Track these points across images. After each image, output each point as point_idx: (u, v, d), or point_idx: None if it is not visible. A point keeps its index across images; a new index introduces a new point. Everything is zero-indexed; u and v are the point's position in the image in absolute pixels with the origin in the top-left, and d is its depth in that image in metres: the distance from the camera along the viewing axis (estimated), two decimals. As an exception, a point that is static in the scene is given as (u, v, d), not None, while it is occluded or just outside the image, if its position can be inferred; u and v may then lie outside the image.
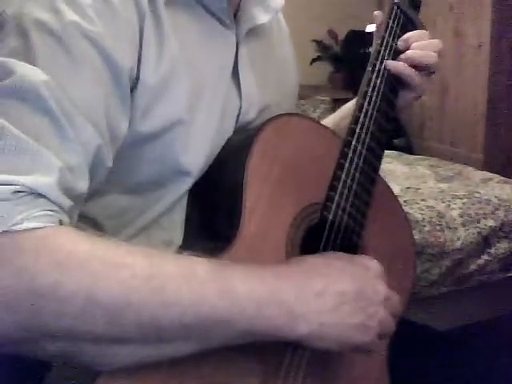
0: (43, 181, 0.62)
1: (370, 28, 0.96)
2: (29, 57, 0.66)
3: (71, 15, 0.68)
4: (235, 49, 0.86)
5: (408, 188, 2.31)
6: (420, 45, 0.90)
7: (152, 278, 0.63)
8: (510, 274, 2.14)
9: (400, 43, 0.91)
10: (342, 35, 3.98)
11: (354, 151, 0.83)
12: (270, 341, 0.68)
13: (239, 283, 0.66)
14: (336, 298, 0.69)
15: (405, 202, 2.10)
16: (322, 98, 3.64)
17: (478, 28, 3.46)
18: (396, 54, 0.90)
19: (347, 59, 3.85)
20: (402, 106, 0.95)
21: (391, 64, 0.89)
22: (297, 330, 0.67)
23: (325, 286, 0.69)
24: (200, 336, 0.65)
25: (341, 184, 0.81)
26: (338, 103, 3.62)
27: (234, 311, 0.65)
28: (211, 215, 0.83)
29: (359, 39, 3.53)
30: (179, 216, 0.82)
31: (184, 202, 0.82)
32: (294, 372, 0.76)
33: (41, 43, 0.67)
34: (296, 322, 0.67)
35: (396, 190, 2.22)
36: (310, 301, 0.68)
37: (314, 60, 3.93)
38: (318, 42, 4.00)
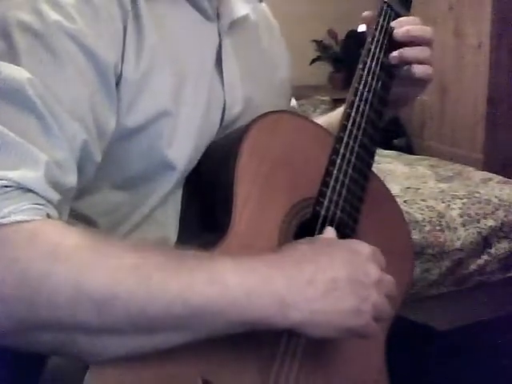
0: (30, 175, 0.63)
1: (362, 28, 0.96)
2: (13, 57, 0.68)
3: (53, 15, 0.70)
4: (218, 40, 0.87)
5: (408, 188, 2.31)
6: (412, 29, 0.89)
7: (138, 268, 0.63)
8: (509, 274, 2.14)
9: (394, 24, 0.89)
10: (342, 35, 3.98)
11: (346, 147, 0.83)
12: (263, 330, 0.68)
13: (229, 273, 0.66)
14: (327, 284, 0.69)
15: (405, 201, 2.10)
16: (322, 98, 3.64)
17: (478, 28, 3.45)
18: (387, 49, 0.90)
19: (347, 59, 3.84)
20: (402, 102, 0.96)
21: (394, 55, 0.89)
22: (289, 318, 0.68)
23: (315, 273, 0.69)
24: (191, 326, 0.65)
25: (333, 180, 0.82)
26: (337, 103, 3.61)
27: (223, 301, 0.65)
28: (205, 213, 0.83)
29: (359, 39, 3.52)
30: (173, 210, 0.82)
31: (177, 196, 0.82)
32: (290, 360, 0.76)
33: (24, 43, 0.68)
34: (288, 310, 0.67)
35: (396, 190, 2.22)
36: (301, 289, 0.68)
37: (314, 60, 3.93)
38: (318, 42, 3.99)
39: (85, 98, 0.70)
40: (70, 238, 0.63)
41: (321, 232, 0.81)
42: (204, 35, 0.85)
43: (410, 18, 0.91)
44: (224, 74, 0.86)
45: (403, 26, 0.90)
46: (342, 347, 0.81)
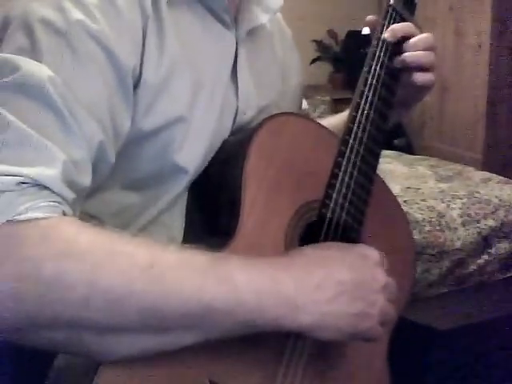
0: (47, 173, 0.63)
1: (366, 30, 0.96)
2: (34, 54, 0.68)
3: (77, 14, 0.70)
4: (235, 49, 0.87)
5: (408, 188, 2.31)
6: (414, 41, 0.90)
7: (152, 267, 0.63)
8: (510, 274, 2.14)
9: (387, 35, 0.90)
10: (342, 35, 3.98)
11: (352, 150, 0.84)
12: (271, 332, 0.69)
13: (238, 274, 0.67)
14: (335, 288, 0.70)
15: (405, 201, 2.09)
16: (322, 98, 3.64)
17: (477, 28, 3.45)
18: (392, 53, 0.90)
19: (347, 59, 3.84)
20: (405, 106, 0.97)
21: (399, 59, 0.89)
22: (298, 320, 0.68)
23: (324, 277, 0.70)
24: (200, 326, 0.66)
25: (338, 182, 0.82)
26: (337, 103, 3.62)
27: (233, 302, 0.65)
28: (211, 214, 0.83)
29: (359, 39, 3.52)
30: (180, 213, 0.83)
31: (184, 198, 0.83)
32: (295, 364, 0.76)
33: (46, 41, 0.68)
34: (297, 312, 0.68)
35: (396, 190, 2.21)
36: (310, 292, 0.69)
37: (314, 60, 3.93)
38: (318, 42, 3.99)
39: (104, 99, 0.70)
40: (84, 235, 0.63)
41: (327, 234, 0.81)
42: (222, 43, 0.86)
43: (405, 24, 0.91)
44: (239, 82, 0.87)
45: (397, 34, 0.90)
46: (346, 351, 0.81)
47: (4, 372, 0.83)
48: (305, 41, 3.79)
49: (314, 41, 3.97)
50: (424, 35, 0.91)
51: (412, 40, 0.90)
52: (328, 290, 0.70)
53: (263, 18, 0.92)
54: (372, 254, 0.75)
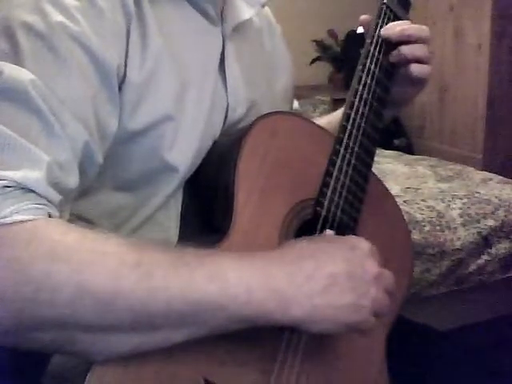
0: (31, 175, 0.63)
1: (361, 29, 0.96)
2: (16, 58, 0.68)
3: (57, 16, 0.70)
4: (222, 44, 0.87)
5: (408, 188, 2.31)
6: (408, 33, 0.90)
7: (139, 265, 0.63)
8: (509, 274, 2.14)
9: (384, 32, 0.90)
10: (342, 35, 3.98)
11: (346, 148, 0.84)
12: (264, 327, 0.68)
13: (229, 269, 0.66)
14: (326, 279, 0.70)
15: (405, 201, 2.10)
16: (322, 98, 3.64)
17: (477, 28, 3.45)
18: (386, 51, 0.90)
19: (347, 59, 3.84)
20: (401, 102, 0.96)
21: (393, 54, 0.89)
22: (289, 313, 0.68)
23: (314, 269, 0.70)
24: (191, 323, 0.65)
25: (333, 180, 0.82)
26: (337, 103, 3.61)
27: (224, 297, 0.65)
28: (206, 214, 0.83)
29: (359, 39, 3.52)
30: (175, 213, 0.83)
31: (178, 198, 0.83)
32: (291, 360, 0.76)
33: (27, 44, 0.68)
34: (288, 305, 0.68)
35: (396, 190, 2.22)
36: (300, 284, 0.68)
37: (313, 60, 3.93)
38: (318, 42, 3.99)
39: (87, 100, 0.70)
40: (70, 236, 0.63)
41: (321, 232, 0.81)
42: (208, 39, 0.86)
43: (402, 21, 0.92)
44: (227, 78, 0.87)
45: (395, 28, 0.90)
46: (342, 346, 0.81)
47: (1, 370, 0.83)
48: (305, 41, 3.79)
49: (314, 41, 3.97)
50: (417, 26, 0.90)
51: (406, 32, 0.89)
52: (318, 282, 0.69)
53: (249, 13, 0.92)
54: (362, 245, 0.74)
